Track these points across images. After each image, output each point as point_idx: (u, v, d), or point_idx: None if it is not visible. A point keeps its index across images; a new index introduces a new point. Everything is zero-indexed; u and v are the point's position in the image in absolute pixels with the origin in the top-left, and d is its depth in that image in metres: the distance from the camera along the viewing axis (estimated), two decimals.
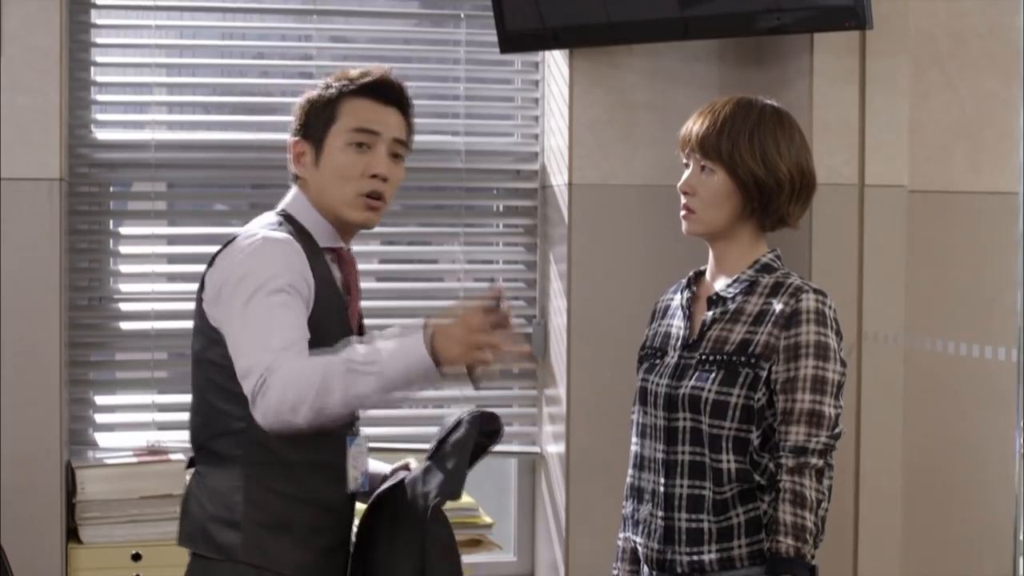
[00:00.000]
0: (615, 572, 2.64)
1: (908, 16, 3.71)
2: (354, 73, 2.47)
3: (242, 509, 2.32)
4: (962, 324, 3.78)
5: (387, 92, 2.46)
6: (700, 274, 2.60)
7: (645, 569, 2.54)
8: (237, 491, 2.31)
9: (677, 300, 2.60)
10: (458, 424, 2.44)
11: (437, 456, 2.44)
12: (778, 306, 2.42)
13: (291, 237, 2.36)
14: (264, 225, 2.41)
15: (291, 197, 2.48)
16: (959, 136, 3.82)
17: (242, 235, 2.39)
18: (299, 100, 2.51)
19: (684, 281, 2.61)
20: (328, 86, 2.47)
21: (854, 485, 3.65)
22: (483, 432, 2.45)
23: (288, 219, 2.43)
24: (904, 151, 3.73)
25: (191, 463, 2.48)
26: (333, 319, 2.38)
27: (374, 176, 2.42)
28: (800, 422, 2.37)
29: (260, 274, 2.28)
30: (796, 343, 2.39)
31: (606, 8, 3.74)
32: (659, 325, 2.61)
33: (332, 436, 2.37)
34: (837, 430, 2.41)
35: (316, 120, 2.44)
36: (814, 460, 2.36)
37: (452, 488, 2.37)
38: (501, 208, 4.18)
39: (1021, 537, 3.51)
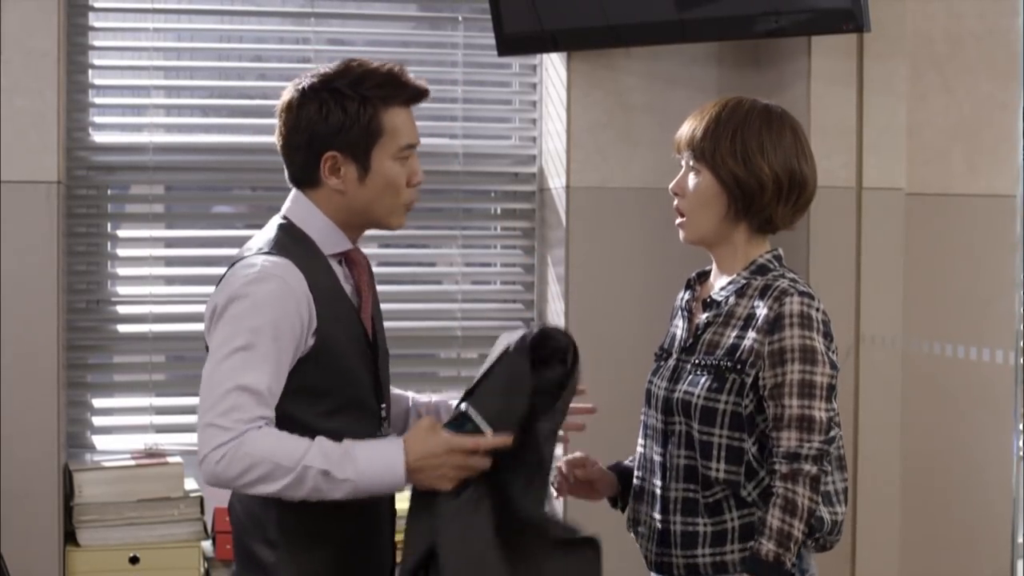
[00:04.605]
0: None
1: (906, 19, 3.72)
2: (379, 76, 2.34)
3: (276, 527, 2.32)
4: (960, 327, 3.78)
5: (419, 99, 2.41)
6: (703, 274, 2.58)
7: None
8: (270, 508, 2.30)
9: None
10: (503, 355, 2.31)
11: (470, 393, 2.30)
12: (763, 310, 2.37)
13: (289, 263, 2.29)
14: (264, 243, 2.34)
15: (293, 203, 2.40)
16: (957, 139, 3.83)
17: (241, 262, 2.32)
18: (315, 102, 2.32)
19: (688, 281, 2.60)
20: (362, 97, 2.32)
21: (852, 487, 3.65)
22: (540, 360, 2.32)
23: (290, 229, 2.37)
24: (902, 154, 3.73)
25: None
26: (343, 328, 2.35)
27: (416, 184, 2.41)
28: (791, 428, 2.32)
29: (245, 322, 2.23)
30: (780, 348, 2.34)
31: (604, 11, 3.74)
32: (671, 325, 2.60)
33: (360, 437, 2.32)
34: (832, 433, 2.36)
35: (356, 134, 2.33)
36: (807, 466, 2.31)
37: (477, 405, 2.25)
38: (499, 211, 4.18)
39: (1020, 539, 3.52)
